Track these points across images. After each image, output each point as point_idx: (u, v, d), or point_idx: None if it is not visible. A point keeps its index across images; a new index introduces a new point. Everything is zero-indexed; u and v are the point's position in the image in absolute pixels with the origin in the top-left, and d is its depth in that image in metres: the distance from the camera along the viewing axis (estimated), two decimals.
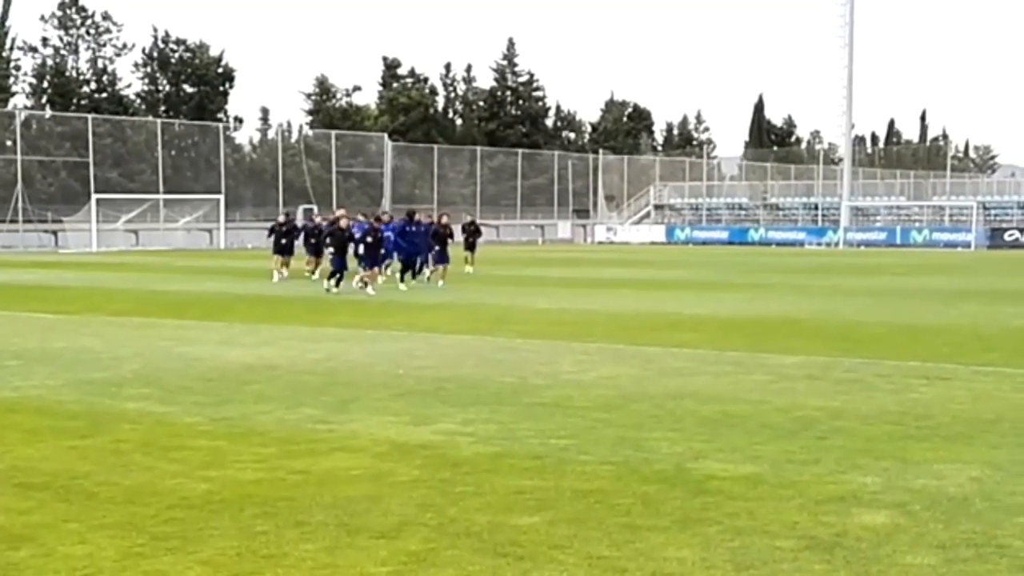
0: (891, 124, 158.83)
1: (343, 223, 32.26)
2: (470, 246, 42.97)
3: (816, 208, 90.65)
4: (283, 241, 37.65)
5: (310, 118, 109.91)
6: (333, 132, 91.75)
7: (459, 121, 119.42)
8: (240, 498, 8.39)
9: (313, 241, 37.38)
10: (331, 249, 32.07)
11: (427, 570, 6.77)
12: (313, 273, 35.86)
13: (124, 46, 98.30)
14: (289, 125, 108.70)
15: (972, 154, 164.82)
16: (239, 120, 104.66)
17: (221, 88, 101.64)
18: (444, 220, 36.04)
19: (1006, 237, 77.40)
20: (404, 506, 8.17)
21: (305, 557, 6.99)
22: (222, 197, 74.59)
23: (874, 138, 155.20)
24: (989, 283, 36.38)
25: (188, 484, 8.84)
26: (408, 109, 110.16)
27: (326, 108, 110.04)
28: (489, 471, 9.29)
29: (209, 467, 9.44)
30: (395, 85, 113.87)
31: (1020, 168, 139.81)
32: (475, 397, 13.08)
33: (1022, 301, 28.29)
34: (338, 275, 31.07)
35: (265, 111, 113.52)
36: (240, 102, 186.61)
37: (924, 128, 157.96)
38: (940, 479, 9.03)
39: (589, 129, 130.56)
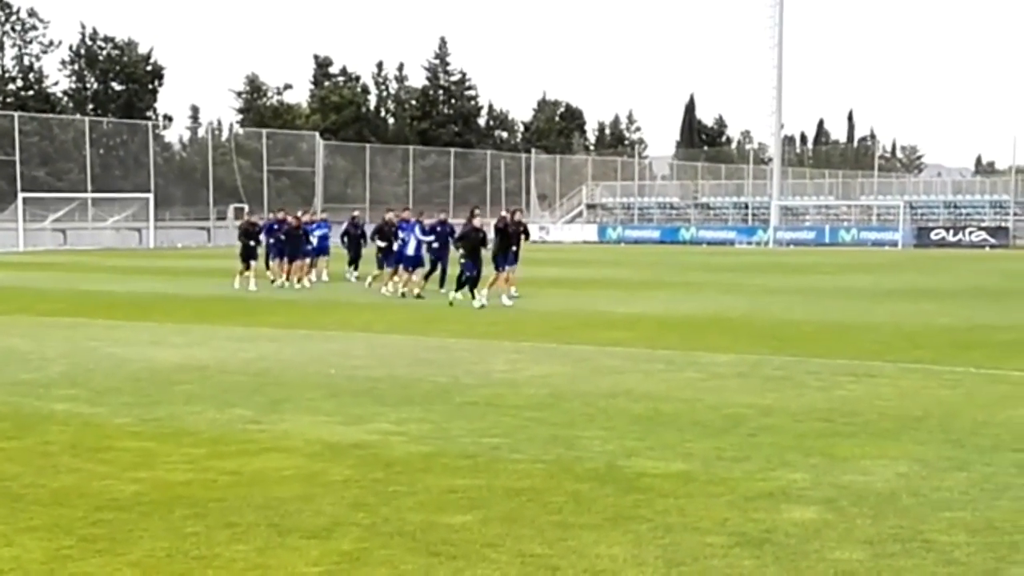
0: (820, 124, 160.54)
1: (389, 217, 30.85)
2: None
3: (746, 207, 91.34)
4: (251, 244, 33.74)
5: (241, 116, 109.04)
6: (264, 131, 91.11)
7: (391, 120, 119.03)
8: (170, 499, 8.32)
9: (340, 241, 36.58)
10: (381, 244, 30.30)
11: (359, 570, 6.76)
12: (299, 280, 33.18)
13: (51, 43, 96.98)
14: (219, 123, 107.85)
15: (899, 154, 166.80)
16: (168, 118, 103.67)
17: (150, 86, 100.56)
18: (518, 217, 29.12)
19: (932, 236, 78.41)
20: (336, 506, 8.14)
21: (236, 558, 6.95)
22: (151, 196, 73.84)
23: (803, 138, 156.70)
24: (916, 282, 36.84)
25: (117, 485, 8.76)
26: (340, 108, 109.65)
27: (257, 106, 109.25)
28: (422, 470, 9.29)
29: (138, 468, 9.35)
30: (327, 84, 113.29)
31: (946, 168, 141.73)
32: (408, 397, 13.07)
33: (948, 299, 28.69)
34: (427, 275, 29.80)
35: (195, 109, 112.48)
36: (170, 100, 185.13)
37: (852, 128, 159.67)
38: (868, 475, 9.14)
39: (521, 128, 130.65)
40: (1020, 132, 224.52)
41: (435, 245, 29.77)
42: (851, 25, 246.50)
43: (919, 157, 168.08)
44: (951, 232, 78.97)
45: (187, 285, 34.32)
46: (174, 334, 19.95)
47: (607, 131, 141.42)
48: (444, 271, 29.97)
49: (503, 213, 29.96)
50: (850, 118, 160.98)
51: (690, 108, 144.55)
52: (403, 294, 28.93)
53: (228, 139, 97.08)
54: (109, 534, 7.45)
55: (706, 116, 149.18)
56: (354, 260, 36.49)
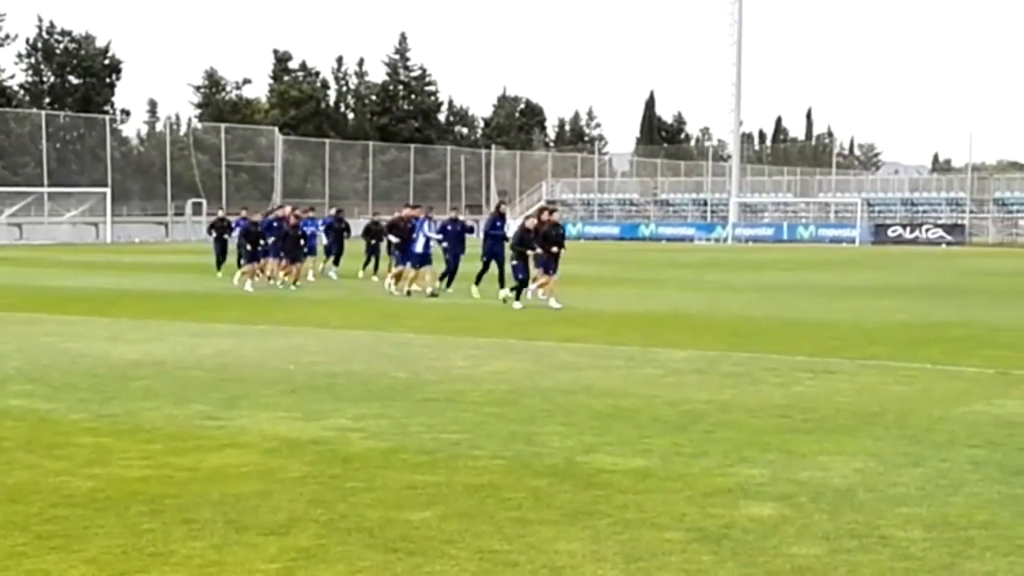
0: (778, 122, 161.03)
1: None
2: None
3: (705, 204, 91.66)
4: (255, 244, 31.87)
5: (199, 111, 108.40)
6: (223, 125, 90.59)
7: (351, 115, 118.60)
8: (126, 496, 8.26)
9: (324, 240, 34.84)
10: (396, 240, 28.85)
11: (317, 566, 6.73)
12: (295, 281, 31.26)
13: (7, 36, 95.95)
14: (177, 118, 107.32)
15: (857, 152, 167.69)
16: (126, 113, 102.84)
17: (107, 80, 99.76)
18: (556, 217, 27.21)
19: (889, 233, 78.95)
20: (294, 502, 8.11)
21: (192, 555, 6.91)
22: (109, 191, 73.35)
23: (762, 135, 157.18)
24: (873, 279, 37.09)
25: (72, 482, 8.68)
26: (299, 103, 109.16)
27: (215, 101, 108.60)
28: (380, 466, 9.26)
29: (94, 464, 9.28)
30: (286, 78, 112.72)
31: (903, 165, 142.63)
32: (367, 393, 13.03)
33: (905, 296, 28.90)
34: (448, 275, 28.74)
35: (153, 103, 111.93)
36: (127, 94, 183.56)
37: (810, 126, 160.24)
38: (825, 471, 9.18)
39: (482, 124, 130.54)
40: (976, 131, 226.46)
41: (445, 244, 28.77)
42: (810, 23, 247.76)
43: (876, 155, 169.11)
44: (908, 229, 79.54)
45: (145, 280, 34.10)
46: (131, 330, 19.82)
47: (567, 127, 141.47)
48: (454, 270, 28.74)
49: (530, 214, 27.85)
50: (808, 116, 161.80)
51: (650, 105, 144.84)
52: (408, 292, 27.90)
53: (186, 134, 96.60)
54: (64, 531, 7.39)
55: (666, 113, 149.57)
56: (337, 257, 35.45)
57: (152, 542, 7.16)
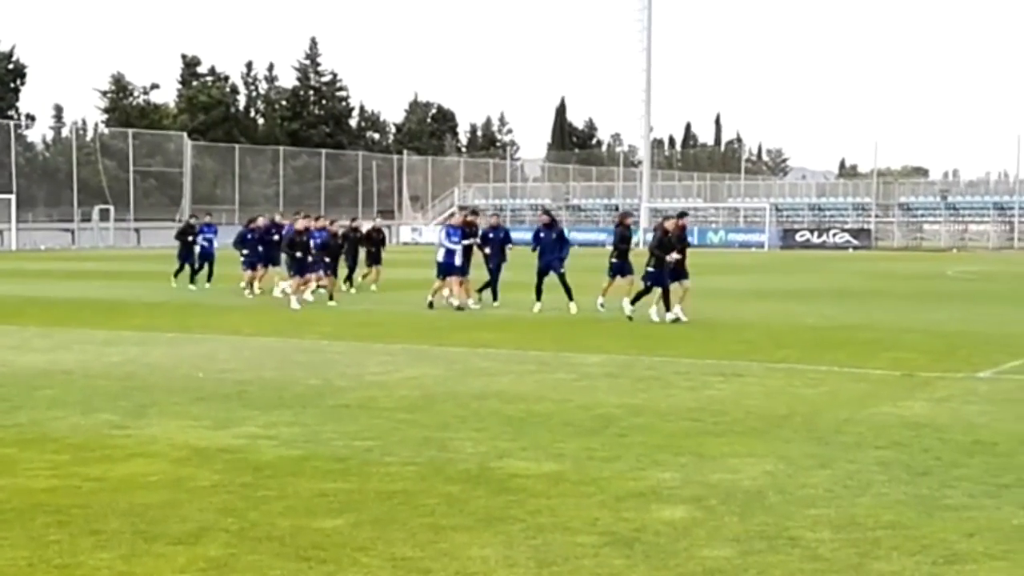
0: (688, 127, 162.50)
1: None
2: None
3: (616, 209, 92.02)
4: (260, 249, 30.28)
5: (106, 116, 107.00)
6: (130, 131, 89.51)
7: (261, 120, 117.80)
8: (31, 507, 8.11)
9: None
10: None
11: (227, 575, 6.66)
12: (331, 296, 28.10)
13: None
14: (84, 123, 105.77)
15: (765, 157, 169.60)
16: (31, 118, 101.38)
17: (12, 85, 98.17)
18: (628, 221, 26.44)
19: (797, 238, 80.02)
20: (204, 511, 8.02)
21: (100, 566, 6.80)
22: (13, 197, 72.08)
23: (672, 141, 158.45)
24: (782, 283, 37.53)
25: None
26: (208, 108, 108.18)
27: (123, 106, 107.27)
28: (292, 474, 9.19)
29: None
30: (195, 83, 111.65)
31: (810, 171, 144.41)
32: (278, 400, 12.93)
33: (813, 300, 29.29)
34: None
35: (59, 108, 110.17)
36: (32, 99, 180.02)
37: (719, 131, 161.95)
38: (735, 473, 9.27)
39: (393, 130, 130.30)
40: (881, 137, 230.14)
41: (487, 251, 27.12)
42: (718, 30, 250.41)
43: (784, 160, 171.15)
44: (815, 234, 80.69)
45: (51, 288, 33.55)
46: (37, 338, 19.50)
47: (479, 133, 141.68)
48: (496, 280, 27.09)
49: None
50: (717, 121, 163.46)
51: (561, 110, 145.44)
52: (431, 304, 25.74)
53: (93, 139, 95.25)
54: None
55: (577, 119, 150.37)
56: (353, 268, 32.16)
57: (59, 553, 7.04)
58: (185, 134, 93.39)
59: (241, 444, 10.43)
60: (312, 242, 27.18)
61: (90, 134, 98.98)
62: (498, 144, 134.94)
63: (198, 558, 6.96)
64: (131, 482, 8.93)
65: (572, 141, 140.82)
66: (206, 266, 33.40)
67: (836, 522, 7.81)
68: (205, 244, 33.45)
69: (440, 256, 26.08)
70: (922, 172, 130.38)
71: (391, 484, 8.86)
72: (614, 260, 24.81)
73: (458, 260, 25.97)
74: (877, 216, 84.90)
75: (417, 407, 12.50)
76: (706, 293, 30.70)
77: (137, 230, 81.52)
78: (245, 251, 30.48)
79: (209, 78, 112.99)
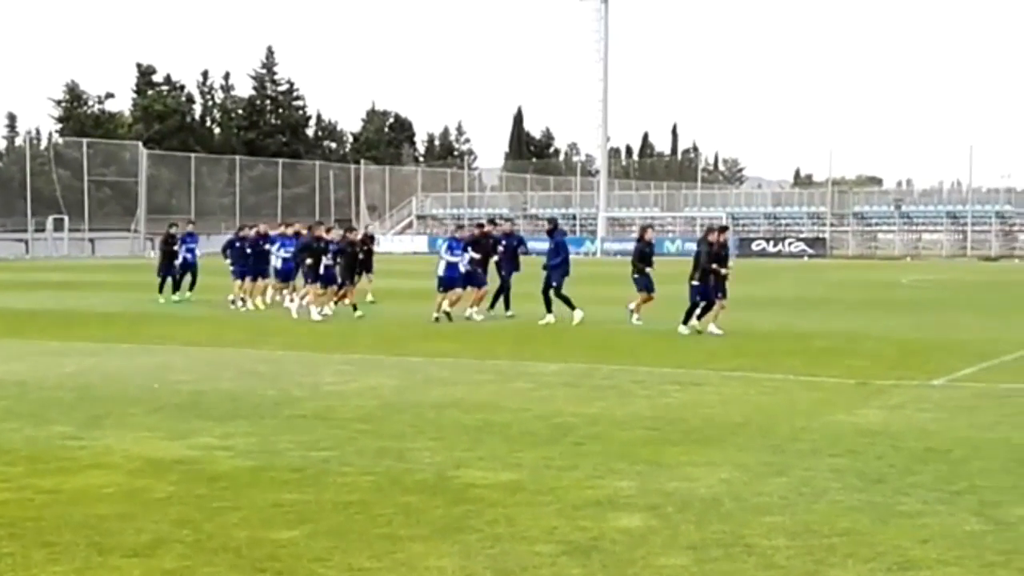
0: (645, 137, 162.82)
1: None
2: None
3: (574, 218, 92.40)
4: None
5: (60, 125, 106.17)
6: (85, 140, 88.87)
7: (217, 130, 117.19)
8: None
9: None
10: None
11: None
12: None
13: None
14: (38, 132, 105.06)
15: (721, 167, 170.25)
16: None
17: None
18: (648, 236, 26.14)
19: (753, 247, 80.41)
20: (159, 523, 7.97)
21: None
22: None
23: (629, 150, 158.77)
24: (737, 291, 37.55)
25: None
26: (164, 117, 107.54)
27: (77, 115, 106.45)
28: (248, 485, 9.15)
29: None
30: (150, 92, 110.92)
31: (766, 180, 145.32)
32: (234, 411, 12.87)
33: (768, 308, 29.43)
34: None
35: (12, 117, 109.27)
36: None
37: (676, 141, 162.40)
38: (692, 481, 9.30)
39: (351, 139, 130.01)
40: (836, 146, 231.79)
41: (496, 259, 26.40)
42: (675, 41, 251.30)
43: (740, 170, 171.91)
44: (771, 243, 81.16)
45: (3, 298, 33.23)
46: None
47: (436, 142, 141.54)
48: (508, 288, 26.36)
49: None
50: (674, 131, 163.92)
51: (518, 120, 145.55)
52: (437, 319, 24.76)
53: (47, 148, 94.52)
54: None
55: (534, 128, 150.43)
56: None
57: (11, 567, 6.98)
58: (140, 143, 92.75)
59: (197, 455, 10.37)
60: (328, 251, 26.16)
61: (44, 143, 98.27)
62: (456, 153, 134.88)
63: (153, 570, 6.92)
64: (85, 494, 8.86)
65: (529, 150, 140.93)
66: (188, 276, 32.07)
67: (791, 529, 7.85)
68: (187, 255, 32.06)
69: (441, 269, 25.25)
70: (876, 181, 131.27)
71: (348, 494, 8.84)
72: (637, 276, 24.80)
73: (461, 271, 25.20)
74: (832, 225, 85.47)
75: (374, 417, 12.48)
76: (662, 301, 30.79)
77: (92, 240, 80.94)
78: (230, 261, 29.29)
79: (164, 87, 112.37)
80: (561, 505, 8.51)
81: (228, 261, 29.55)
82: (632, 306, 24.80)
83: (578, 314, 24.36)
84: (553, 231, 26.38)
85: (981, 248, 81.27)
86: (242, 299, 29.00)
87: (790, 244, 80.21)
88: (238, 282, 29.15)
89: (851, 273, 53.48)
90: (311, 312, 25.31)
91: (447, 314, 24.90)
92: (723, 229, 23.75)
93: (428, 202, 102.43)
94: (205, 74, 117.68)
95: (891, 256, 79.84)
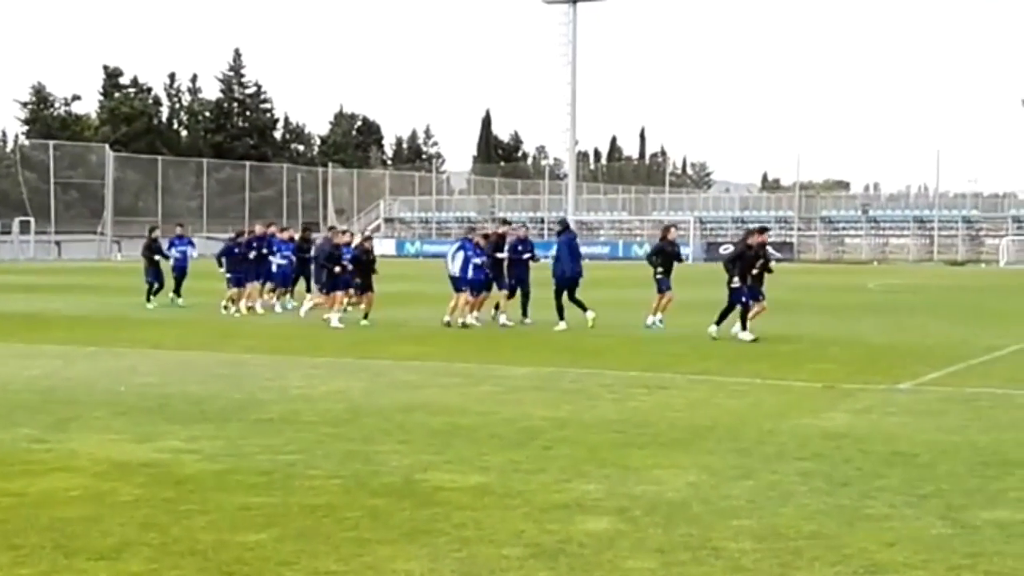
0: (613, 141, 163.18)
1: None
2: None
3: (542, 222, 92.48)
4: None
5: (26, 128, 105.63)
6: (51, 142, 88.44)
7: (184, 132, 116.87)
8: None
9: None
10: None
11: None
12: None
13: None
14: (4, 134, 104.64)
15: (689, 170, 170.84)
16: None
17: None
18: (671, 235, 26.41)
19: (721, 250, 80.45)
20: (125, 526, 7.93)
21: None
22: None
23: (597, 154, 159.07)
24: (705, 295, 37.67)
25: None
26: (131, 119, 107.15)
27: (43, 117, 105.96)
28: (215, 488, 9.11)
29: None
30: (117, 95, 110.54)
31: (734, 184, 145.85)
32: (201, 414, 12.82)
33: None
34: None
35: None
36: None
37: (643, 145, 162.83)
38: (659, 484, 9.32)
39: (318, 142, 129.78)
40: (803, 150, 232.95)
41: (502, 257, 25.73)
42: (643, 44, 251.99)
43: (708, 174, 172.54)
44: None
45: None
46: None
47: (405, 145, 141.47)
48: (527, 295, 25.88)
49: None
50: (642, 135, 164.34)
51: (487, 123, 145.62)
52: (448, 323, 24.62)
53: (13, 151, 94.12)
54: None
55: (502, 132, 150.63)
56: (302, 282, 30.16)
57: None
58: (107, 146, 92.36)
59: (163, 458, 10.32)
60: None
61: (10, 145, 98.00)
62: (424, 157, 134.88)
63: (120, 573, 6.89)
64: (51, 497, 8.81)
65: (498, 154, 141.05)
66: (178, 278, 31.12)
67: (758, 533, 7.87)
68: (179, 256, 31.32)
69: (464, 271, 24.90)
70: (844, 185, 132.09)
71: (315, 498, 8.81)
72: (660, 276, 24.76)
73: (470, 275, 24.84)
74: (799, 229, 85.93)
75: (342, 420, 12.45)
76: (631, 305, 30.86)
77: (58, 243, 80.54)
78: (225, 268, 28.17)
79: (131, 89, 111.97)
80: (529, 508, 8.51)
81: (223, 269, 28.33)
82: (656, 317, 24.45)
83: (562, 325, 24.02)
84: (562, 232, 26.12)
85: (948, 252, 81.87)
86: (249, 305, 28.08)
87: None
88: (235, 289, 28.07)
89: (818, 277, 53.69)
90: (332, 320, 24.43)
91: (464, 323, 24.46)
92: (763, 230, 23.55)
93: (396, 205, 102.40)
94: (172, 76, 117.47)
95: (858, 260, 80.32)
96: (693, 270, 62.62)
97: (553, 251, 25.74)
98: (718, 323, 22.08)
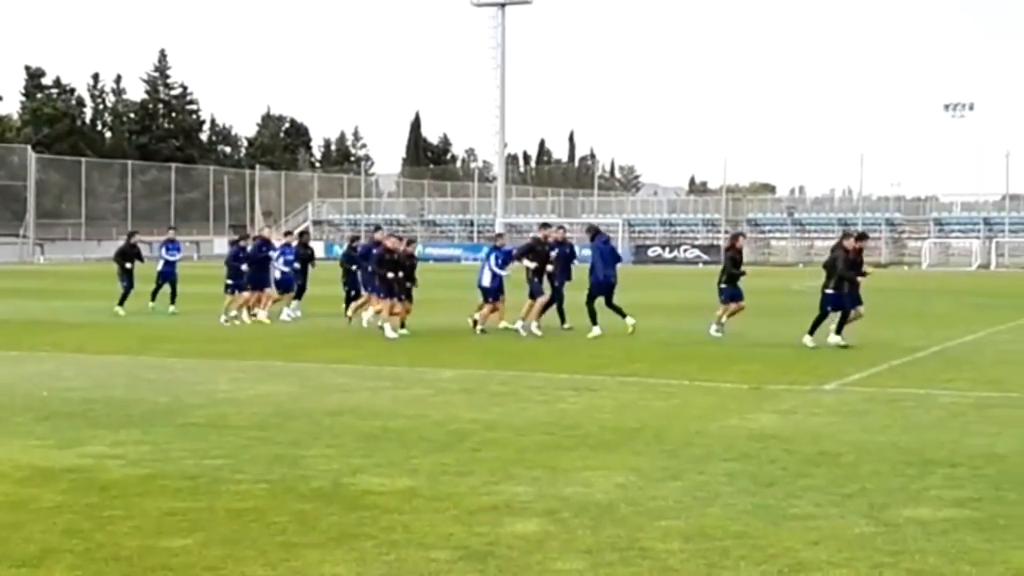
0: (542, 144, 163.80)
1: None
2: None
3: (472, 224, 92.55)
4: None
5: None
6: None
7: (109, 134, 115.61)
8: None
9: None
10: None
11: None
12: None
13: None
14: None
15: (618, 173, 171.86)
16: None
17: None
18: (739, 244, 27.01)
19: (649, 253, 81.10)
20: (48, 533, 7.82)
21: None
22: None
23: (526, 157, 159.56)
24: (634, 297, 37.85)
25: None
26: (53, 120, 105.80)
27: None
28: (140, 494, 9.02)
29: None
30: (39, 95, 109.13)
31: (662, 187, 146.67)
32: (126, 418, 12.68)
33: (664, 314, 29.73)
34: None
35: None
36: None
37: (573, 148, 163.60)
38: (588, 486, 9.35)
39: (246, 144, 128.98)
40: (730, 154, 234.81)
41: (550, 268, 25.04)
42: (572, 48, 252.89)
43: (637, 177, 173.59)
44: (667, 249, 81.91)
45: None
46: None
47: (333, 147, 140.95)
48: (561, 299, 25.29)
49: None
50: (571, 138, 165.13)
51: (416, 126, 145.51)
52: (474, 321, 24.35)
53: None
54: None
55: (432, 134, 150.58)
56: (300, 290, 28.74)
57: None
58: (29, 147, 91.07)
59: (87, 463, 10.20)
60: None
61: None
62: (352, 159, 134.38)
63: None
64: None
65: (427, 156, 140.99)
66: (167, 287, 29.65)
67: (686, 533, 7.92)
68: (169, 260, 30.05)
69: (487, 280, 24.50)
70: (770, 188, 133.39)
71: (242, 502, 8.75)
72: (724, 285, 24.63)
73: (487, 282, 24.53)
74: (727, 232, 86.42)
75: (269, 424, 12.37)
76: (568, 311, 30.97)
77: None
78: (232, 274, 26.51)
79: (54, 90, 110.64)
80: (457, 511, 8.50)
81: (233, 274, 26.58)
82: (720, 323, 24.31)
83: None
84: (594, 237, 25.78)
85: (871, 255, 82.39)
86: (253, 314, 26.70)
87: (685, 251, 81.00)
88: (235, 295, 26.50)
89: (745, 279, 54.00)
90: (386, 330, 23.02)
91: (482, 329, 24.00)
92: (861, 236, 22.94)
93: (324, 208, 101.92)
94: (96, 77, 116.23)
95: (784, 263, 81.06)
96: (621, 272, 62.96)
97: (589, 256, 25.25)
98: (811, 332, 21.37)
